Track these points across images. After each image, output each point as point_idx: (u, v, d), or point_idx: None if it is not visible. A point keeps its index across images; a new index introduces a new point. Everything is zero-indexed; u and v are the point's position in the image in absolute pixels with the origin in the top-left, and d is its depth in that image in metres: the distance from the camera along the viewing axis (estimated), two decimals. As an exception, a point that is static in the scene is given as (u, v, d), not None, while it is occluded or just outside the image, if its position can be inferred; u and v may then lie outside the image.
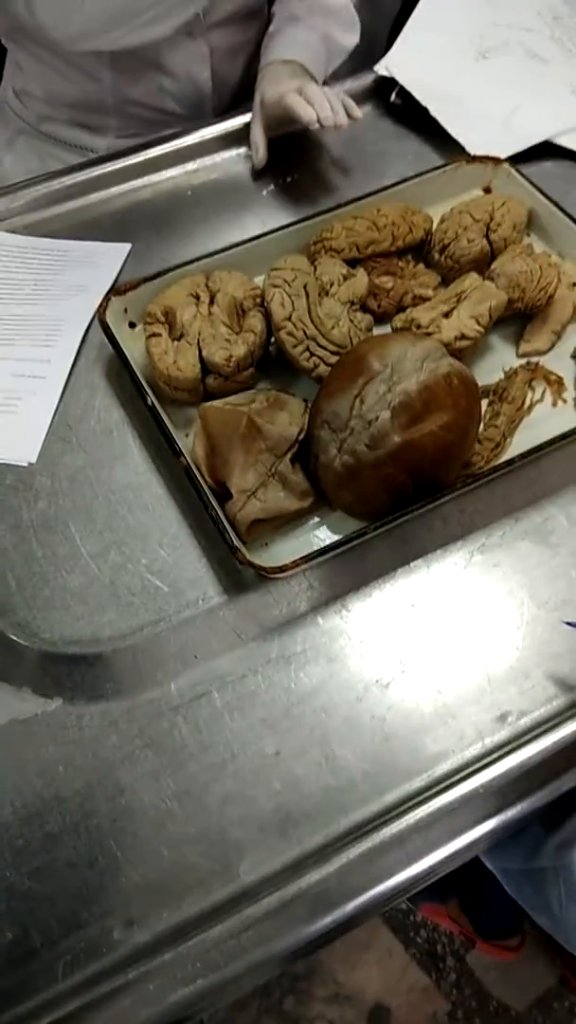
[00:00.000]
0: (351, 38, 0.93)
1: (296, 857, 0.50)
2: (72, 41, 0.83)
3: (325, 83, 0.91)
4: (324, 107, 0.77)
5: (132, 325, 0.72)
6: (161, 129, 0.91)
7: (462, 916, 1.13)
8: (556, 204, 0.77)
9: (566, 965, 1.13)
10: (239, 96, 1.00)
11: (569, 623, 0.57)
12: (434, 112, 0.90)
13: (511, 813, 0.50)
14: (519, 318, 0.73)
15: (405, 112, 0.93)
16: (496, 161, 0.82)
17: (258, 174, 0.87)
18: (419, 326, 0.67)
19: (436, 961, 1.16)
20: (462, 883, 1.12)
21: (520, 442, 0.65)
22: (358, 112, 0.80)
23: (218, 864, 0.50)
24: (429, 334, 0.66)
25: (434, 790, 0.51)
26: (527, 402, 0.68)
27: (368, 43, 1.09)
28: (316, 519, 0.62)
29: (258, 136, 0.85)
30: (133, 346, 0.69)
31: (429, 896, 1.15)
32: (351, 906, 0.48)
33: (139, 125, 0.94)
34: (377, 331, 0.71)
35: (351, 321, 0.67)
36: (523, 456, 0.61)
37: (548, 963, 1.15)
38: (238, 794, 0.51)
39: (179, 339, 0.67)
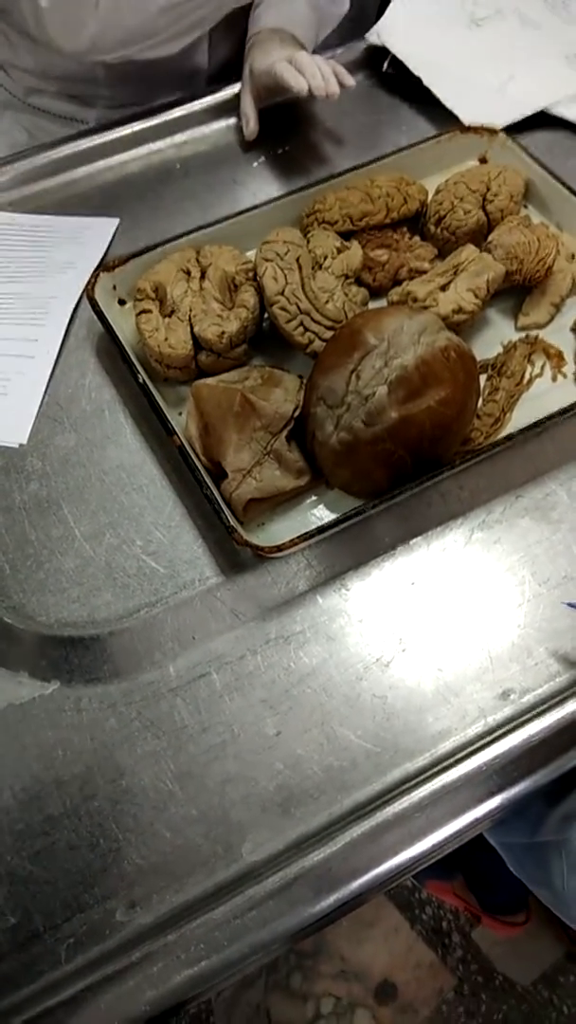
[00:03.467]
0: (342, 5, 0.91)
1: (298, 837, 0.49)
2: (80, 55, 0.81)
3: (316, 52, 0.88)
4: (315, 75, 0.75)
5: (122, 302, 0.71)
6: (153, 99, 0.89)
7: (468, 893, 1.14)
8: (553, 174, 0.75)
9: (572, 940, 1.14)
10: (231, 67, 0.97)
11: (570, 604, 0.56)
12: (427, 82, 0.88)
13: (514, 791, 0.50)
14: (517, 291, 0.72)
15: (398, 82, 0.91)
16: (491, 131, 0.80)
17: (249, 145, 0.85)
18: (415, 299, 0.66)
19: (442, 937, 1.17)
20: (467, 860, 1.12)
21: (520, 417, 0.64)
22: (350, 80, 0.78)
23: (220, 845, 0.49)
24: (426, 307, 0.64)
25: (436, 769, 0.50)
26: (526, 376, 0.67)
27: (358, 11, 1.06)
28: (313, 497, 0.61)
29: (248, 107, 0.83)
30: (123, 323, 0.68)
31: (434, 873, 1.16)
32: (355, 885, 0.48)
33: (131, 96, 0.92)
34: (372, 305, 0.70)
35: (346, 295, 0.66)
36: (523, 431, 0.60)
37: (554, 938, 1.16)
38: (239, 775, 0.51)
39: (170, 315, 0.65)
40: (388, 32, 0.92)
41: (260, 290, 0.65)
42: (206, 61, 0.92)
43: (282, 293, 0.63)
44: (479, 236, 0.73)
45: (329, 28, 0.91)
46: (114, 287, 0.70)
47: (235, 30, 0.92)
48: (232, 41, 0.93)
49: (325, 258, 0.67)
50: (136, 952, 0.46)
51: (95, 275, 0.68)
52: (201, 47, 0.91)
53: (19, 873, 0.49)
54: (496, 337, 0.70)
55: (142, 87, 0.91)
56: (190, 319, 0.64)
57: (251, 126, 0.83)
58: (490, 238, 0.71)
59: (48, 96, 0.94)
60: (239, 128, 0.86)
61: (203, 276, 0.67)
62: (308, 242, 0.68)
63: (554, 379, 0.68)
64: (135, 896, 0.48)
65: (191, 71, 0.93)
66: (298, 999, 1.12)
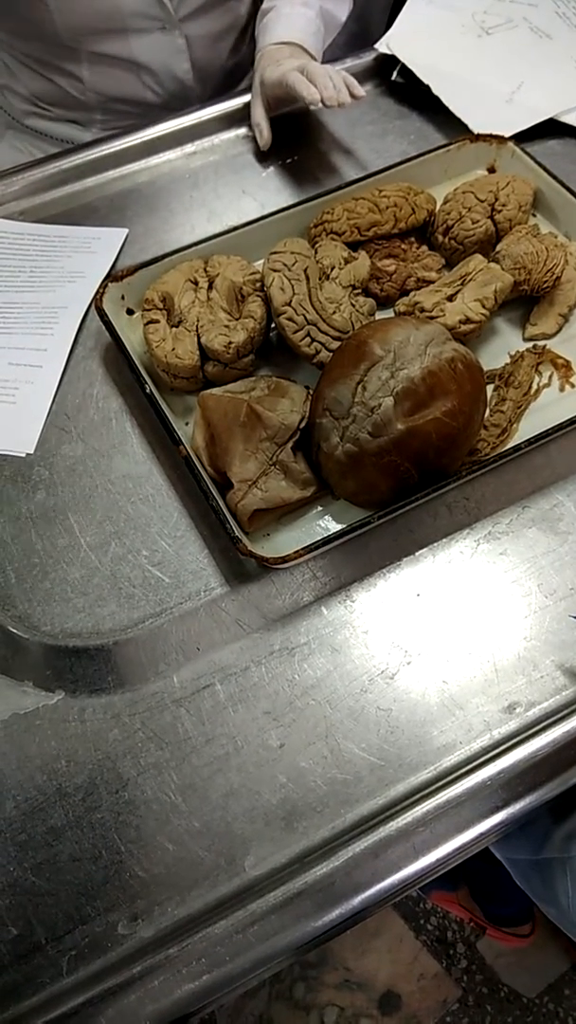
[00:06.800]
0: (345, 10, 0.92)
1: (301, 851, 0.49)
2: None
3: (324, 62, 0.89)
4: (327, 86, 0.75)
5: (130, 312, 0.71)
6: (145, 118, 0.90)
7: (472, 904, 1.13)
8: (562, 183, 0.75)
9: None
10: (223, 85, 0.98)
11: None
12: (436, 90, 0.88)
13: (519, 806, 0.49)
14: (525, 301, 0.71)
15: (407, 91, 0.91)
16: (500, 140, 0.80)
17: (257, 156, 0.86)
18: (423, 310, 0.66)
19: (446, 948, 1.16)
20: (472, 871, 1.12)
21: (527, 428, 0.64)
22: (360, 90, 0.78)
23: (223, 858, 0.49)
24: (433, 318, 0.64)
25: (441, 783, 0.50)
26: (534, 387, 0.67)
27: (363, 23, 1.07)
28: (319, 508, 0.61)
29: (260, 117, 0.84)
30: (131, 333, 0.68)
31: (439, 884, 1.15)
32: (357, 900, 0.47)
33: (124, 118, 0.93)
34: (380, 315, 0.70)
35: (353, 305, 0.66)
36: (530, 442, 0.60)
37: (560, 950, 1.15)
38: (242, 787, 0.51)
39: (177, 325, 0.65)
40: (398, 41, 0.92)
41: (267, 300, 0.65)
42: (190, 76, 0.93)
43: (289, 303, 0.63)
44: (487, 246, 0.73)
45: (334, 34, 0.91)
46: (122, 297, 0.70)
47: (217, 44, 0.92)
48: (217, 56, 0.94)
49: (332, 268, 0.67)
50: (137, 966, 0.46)
51: (103, 285, 0.68)
52: (183, 65, 0.91)
53: (21, 884, 0.49)
54: (503, 347, 0.70)
55: (131, 106, 0.92)
56: (197, 329, 0.64)
57: (265, 136, 0.83)
58: (498, 248, 0.71)
59: (44, 119, 0.95)
60: (247, 138, 0.86)
61: (211, 286, 0.67)
62: (315, 252, 0.68)
63: (561, 389, 0.67)
64: (137, 909, 0.48)
65: (178, 88, 0.93)
66: (301, 1010, 1.12)
